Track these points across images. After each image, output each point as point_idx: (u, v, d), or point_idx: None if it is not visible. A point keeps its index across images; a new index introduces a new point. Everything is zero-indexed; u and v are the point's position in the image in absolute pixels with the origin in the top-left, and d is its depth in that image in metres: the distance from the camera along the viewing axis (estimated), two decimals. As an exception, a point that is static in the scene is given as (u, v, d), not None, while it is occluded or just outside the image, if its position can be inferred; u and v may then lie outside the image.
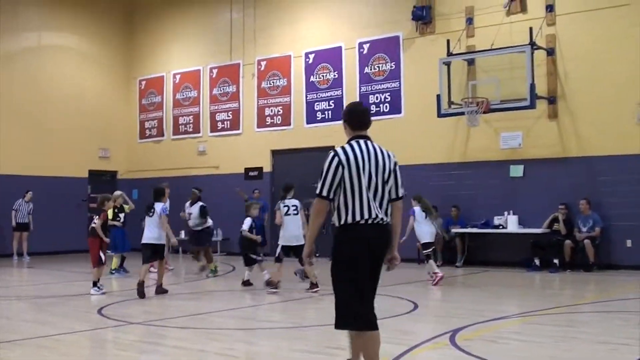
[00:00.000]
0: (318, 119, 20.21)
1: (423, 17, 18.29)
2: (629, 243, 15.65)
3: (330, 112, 20.01)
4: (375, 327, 5.46)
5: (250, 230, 13.38)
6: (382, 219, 5.48)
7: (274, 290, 12.29)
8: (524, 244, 16.21)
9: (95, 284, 12.44)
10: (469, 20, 17.69)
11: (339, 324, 5.51)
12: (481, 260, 17.09)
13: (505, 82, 16.46)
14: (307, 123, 20.44)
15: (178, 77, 23.88)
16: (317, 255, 14.07)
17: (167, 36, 24.31)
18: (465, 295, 12.54)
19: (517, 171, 17.03)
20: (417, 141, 18.36)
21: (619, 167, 15.75)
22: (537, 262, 15.78)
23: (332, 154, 5.53)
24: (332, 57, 20.21)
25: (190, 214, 15.93)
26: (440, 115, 17.06)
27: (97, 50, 24.63)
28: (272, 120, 21.30)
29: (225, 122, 22.45)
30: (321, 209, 5.47)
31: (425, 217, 13.85)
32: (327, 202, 5.45)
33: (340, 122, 19.20)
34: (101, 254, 12.51)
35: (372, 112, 18.72)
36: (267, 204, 19.64)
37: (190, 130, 23.37)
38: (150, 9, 24.83)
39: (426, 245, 13.86)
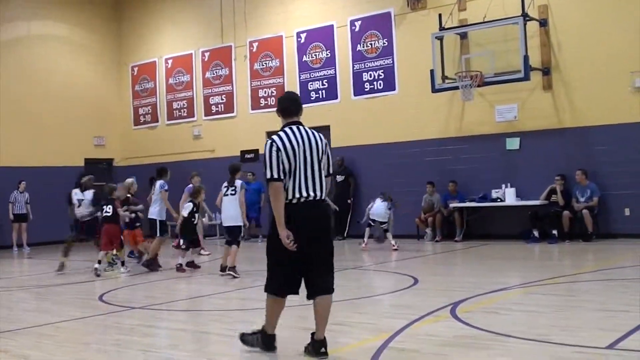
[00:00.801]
0: (312, 98, 20.14)
1: (414, -7, 18.22)
2: (627, 211, 15.67)
3: (324, 91, 19.95)
4: (284, 294, 6.22)
5: (192, 215, 13.33)
6: (315, 196, 6.06)
7: (232, 274, 12.03)
8: (522, 216, 16.24)
9: (123, 263, 13.67)
10: (461, -6, 17.62)
11: (267, 289, 6.25)
12: (480, 233, 17.10)
13: (498, 54, 16.41)
14: (302, 103, 20.31)
15: (170, 61, 23.78)
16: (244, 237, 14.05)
17: (157, 21, 24.19)
18: (465, 269, 12.59)
19: (513, 144, 17.01)
20: (412, 117, 18.34)
21: (615, 137, 15.74)
22: (536, 233, 15.81)
23: (269, 141, 6.08)
24: (324, 35, 20.12)
25: (81, 200, 14.71)
26: (434, 90, 17.02)
27: (87, 38, 24.51)
28: (266, 102, 21.23)
29: (219, 106, 22.39)
30: (277, 190, 5.98)
31: (383, 201, 16.02)
32: (281, 182, 5.97)
33: (334, 101, 19.27)
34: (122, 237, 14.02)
35: (366, 90, 19.04)
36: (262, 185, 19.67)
37: (185, 114, 23.32)
38: (139, -6, 24.70)
39: (381, 223, 15.95)
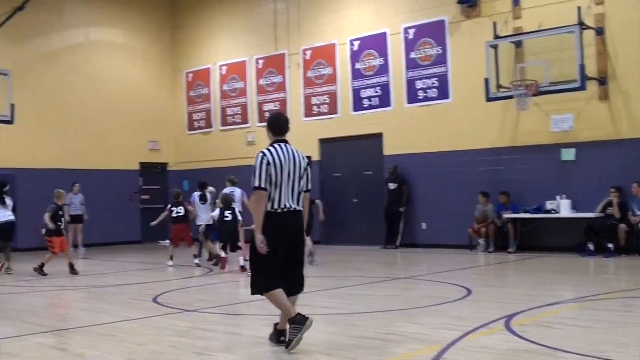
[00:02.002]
0: (365, 106, 20.17)
1: (468, 0, 18.09)
2: (685, 225, 15.35)
3: (377, 98, 19.95)
4: (277, 286, 6.78)
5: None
6: (294, 207, 6.82)
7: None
8: (577, 229, 15.96)
9: (196, 256, 15.69)
10: (515, 2, 17.44)
11: (254, 291, 6.94)
12: (534, 245, 16.88)
13: (554, 63, 16.20)
14: (354, 110, 20.41)
15: (224, 68, 24.02)
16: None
17: (212, 28, 24.47)
18: (519, 281, 12.43)
19: (568, 154, 16.78)
20: (465, 126, 18.23)
21: (674, 148, 15.45)
22: (591, 246, 15.55)
23: (260, 154, 6.78)
24: (377, 43, 20.13)
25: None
26: (488, 99, 16.90)
27: (143, 44, 24.95)
28: (319, 109, 21.32)
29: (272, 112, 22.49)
30: (261, 198, 6.72)
31: (203, 204, 16.46)
32: (265, 192, 6.69)
33: (387, 108, 19.28)
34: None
35: (419, 97, 18.93)
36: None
37: (239, 121, 23.51)
38: (194, 2, 24.99)
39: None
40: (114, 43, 24.26)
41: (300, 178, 6.88)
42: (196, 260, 15.48)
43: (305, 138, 21.36)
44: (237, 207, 15.03)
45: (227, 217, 14.21)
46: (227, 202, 14.56)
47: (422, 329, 7.67)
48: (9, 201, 15.49)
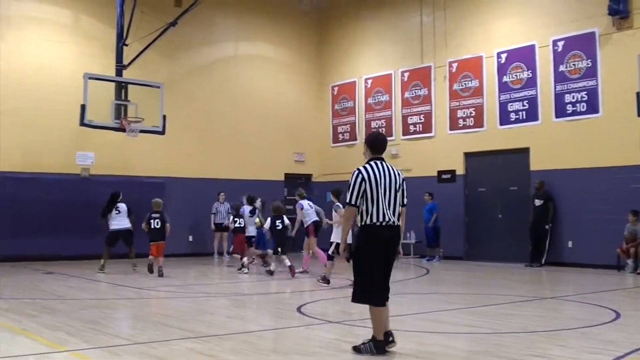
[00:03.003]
0: (512, 119, 19.84)
1: (620, 12, 17.51)
2: None
3: (524, 112, 19.59)
4: (383, 304, 7.28)
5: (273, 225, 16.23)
6: (393, 221, 7.29)
7: (325, 284, 14.00)
8: None
9: (243, 265, 16.71)
10: (670, 13, 16.77)
11: (355, 299, 7.42)
12: (689, 267, 16.11)
13: None
14: (501, 124, 20.12)
15: (370, 82, 24.24)
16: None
17: (357, 42, 24.76)
18: (672, 305, 11.90)
19: None
20: (616, 141, 17.61)
21: None
22: None
23: (357, 172, 7.30)
24: (525, 56, 19.78)
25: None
26: (641, 114, 16.32)
27: (290, 58, 25.56)
28: (465, 122, 21.15)
29: (417, 125, 22.54)
30: (351, 214, 7.34)
31: (251, 217, 17.48)
32: (355, 208, 7.25)
33: (535, 122, 18.94)
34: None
35: (568, 112, 18.44)
36: (436, 206, 20.69)
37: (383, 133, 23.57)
38: (340, 16, 25.42)
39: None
40: (263, 57, 24.99)
41: (397, 192, 7.33)
42: (246, 270, 16.63)
43: (450, 151, 21.29)
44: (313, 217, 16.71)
45: (278, 225, 16.03)
46: (279, 211, 16.26)
47: (568, 352, 7.49)
48: (122, 209, 16.94)
